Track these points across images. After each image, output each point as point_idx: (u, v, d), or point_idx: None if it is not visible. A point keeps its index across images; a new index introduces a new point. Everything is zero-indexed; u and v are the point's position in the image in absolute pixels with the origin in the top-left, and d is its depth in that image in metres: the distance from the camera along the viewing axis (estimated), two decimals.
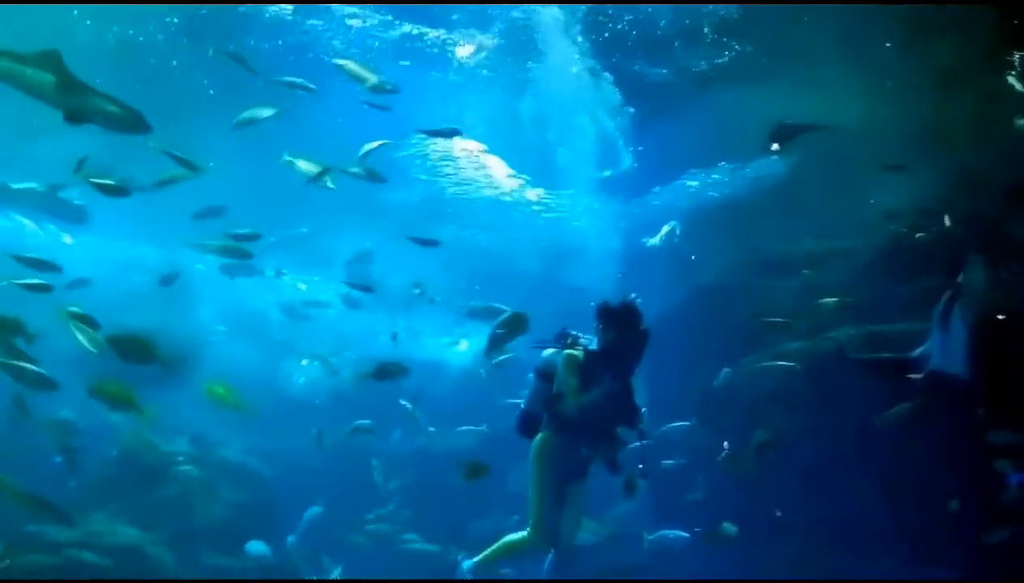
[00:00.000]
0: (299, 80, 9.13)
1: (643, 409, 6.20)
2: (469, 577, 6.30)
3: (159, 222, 13.42)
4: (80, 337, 6.88)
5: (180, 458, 11.46)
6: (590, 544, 9.58)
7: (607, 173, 14.12)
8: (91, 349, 6.89)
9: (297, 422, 13.54)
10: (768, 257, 12.40)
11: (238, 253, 9.84)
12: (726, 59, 11.23)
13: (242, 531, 10.85)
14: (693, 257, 13.65)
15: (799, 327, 10.36)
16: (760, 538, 9.28)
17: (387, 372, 8.84)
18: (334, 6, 10.62)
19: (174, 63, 11.34)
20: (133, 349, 6.56)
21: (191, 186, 8.55)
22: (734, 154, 13.92)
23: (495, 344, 7.56)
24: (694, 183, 14.74)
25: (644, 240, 14.10)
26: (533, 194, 15.44)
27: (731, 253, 13.03)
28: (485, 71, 11.96)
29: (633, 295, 6.57)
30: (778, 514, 9.52)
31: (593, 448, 6.14)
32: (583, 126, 13.08)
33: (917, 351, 7.51)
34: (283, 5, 10.61)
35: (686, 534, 9.32)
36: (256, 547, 10.24)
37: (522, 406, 6.42)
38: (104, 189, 7.43)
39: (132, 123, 5.55)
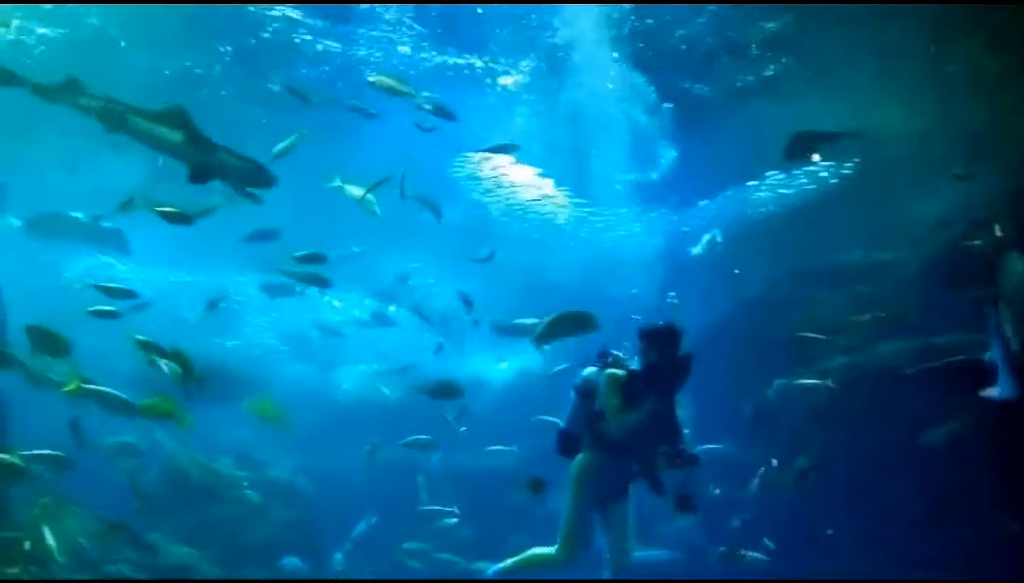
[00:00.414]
0: (360, 105, 9.25)
1: (686, 430, 6.17)
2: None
3: (200, 247, 13.78)
4: (163, 366, 6.99)
5: (245, 483, 11.69)
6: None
7: (653, 176, 14.03)
8: (169, 375, 6.99)
9: (343, 441, 13.70)
10: (815, 269, 12.19)
11: (315, 279, 9.64)
12: (771, 72, 11.15)
13: (289, 549, 11.03)
14: (736, 271, 13.50)
15: (846, 341, 10.15)
16: (805, 556, 9.11)
17: (444, 391, 8.89)
18: (377, 33, 10.82)
19: (223, 93, 11.75)
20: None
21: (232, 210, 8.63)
22: (778, 165, 13.80)
23: (548, 335, 7.25)
24: (738, 194, 14.64)
25: (689, 249, 14.00)
26: (574, 207, 15.45)
27: (777, 265, 12.85)
28: (526, 94, 12.15)
29: (672, 295, 6.50)
30: (829, 532, 9.34)
31: (636, 468, 6.09)
32: (623, 136, 13.07)
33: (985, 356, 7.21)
34: (330, 40, 10.88)
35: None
36: (291, 562, 10.48)
37: (561, 425, 6.38)
38: (169, 217, 7.54)
39: (255, 176, 5.47)
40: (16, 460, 7.42)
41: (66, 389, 7.39)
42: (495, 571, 6.43)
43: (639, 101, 12.23)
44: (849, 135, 6.52)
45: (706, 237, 13.36)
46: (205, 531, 10.45)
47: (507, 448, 12.08)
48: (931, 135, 10.64)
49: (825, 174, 13.54)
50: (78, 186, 13.12)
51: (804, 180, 14.04)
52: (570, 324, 7.21)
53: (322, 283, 9.67)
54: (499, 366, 14.92)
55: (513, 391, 13.71)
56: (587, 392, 6.19)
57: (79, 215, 13.72)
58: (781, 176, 14.04)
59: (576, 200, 15.18)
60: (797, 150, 6.62)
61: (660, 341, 5.89)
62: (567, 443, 6.29)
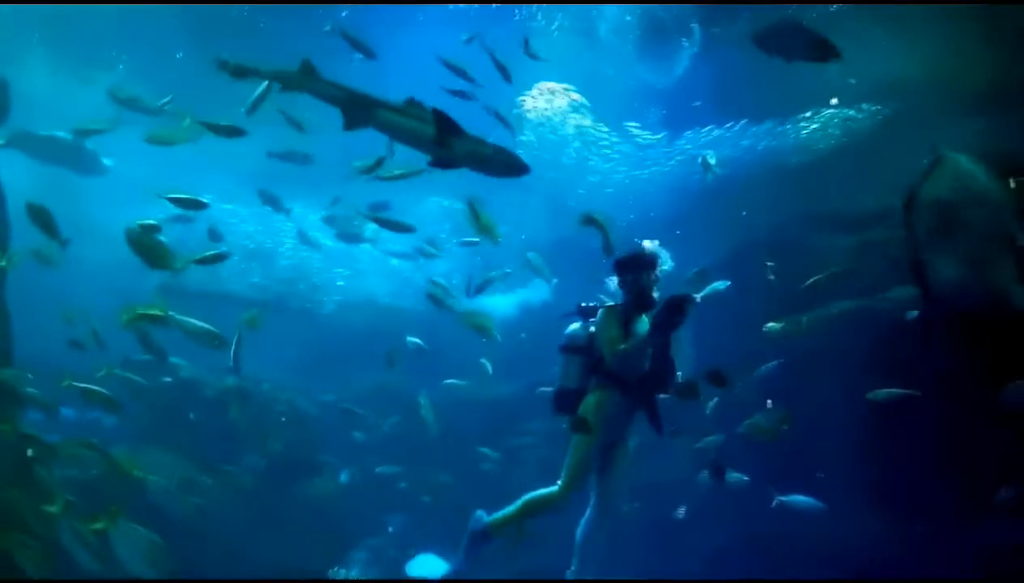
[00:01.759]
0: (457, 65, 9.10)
1: (679, 372, 6.15)
2: (479, 527, 6.17)
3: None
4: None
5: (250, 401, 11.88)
6: None
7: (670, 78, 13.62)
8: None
9: (351, 368, 13.86)
10: (825, 213, 12.01)
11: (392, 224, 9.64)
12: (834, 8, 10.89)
13: (292, 468, 11.29)
14: (744, 213, 13.36)
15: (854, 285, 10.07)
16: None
17: (476, 325, 9.22)
18: None
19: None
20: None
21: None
22: (805, 105, 13.57)
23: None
24: (753, 131, 14.42)
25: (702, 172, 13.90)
26: (587, 124, 15.29)
27: (785, 207, 12.67)
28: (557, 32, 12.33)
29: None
30: (820, 476, 9.37)
31: (637, 406, 6.12)
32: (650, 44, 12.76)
33: None
34: None
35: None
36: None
37: (557, 385, 6.33)
38: (218, 130, 7.35)
39: (509, 166, 5.20)
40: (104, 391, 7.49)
41: (153, 312, 7.44)
42: (483, 520, 6.18)
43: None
44: (834, 55, 5.55)
45: (699, 159, 13.10)
46: (205, 445, 10.67)
47: (460, 381, 12.40)
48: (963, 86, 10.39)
49: (838, 122, 13.30)
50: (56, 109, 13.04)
51: (826, 122, 13.83)
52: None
53: (404, 229, 9.58)
54: (502, 300, 14.94)
55: (515, 324, 13.74)
56: (574, 347, 6.22)
57: (62, 134, 13.38)
58: (805, 117, 13.81)
59: (599, 128, 15.05)
60: (774, 38, 5.69)
61: (639, 266, 6.07)
62: (563, 400, 6.25)
